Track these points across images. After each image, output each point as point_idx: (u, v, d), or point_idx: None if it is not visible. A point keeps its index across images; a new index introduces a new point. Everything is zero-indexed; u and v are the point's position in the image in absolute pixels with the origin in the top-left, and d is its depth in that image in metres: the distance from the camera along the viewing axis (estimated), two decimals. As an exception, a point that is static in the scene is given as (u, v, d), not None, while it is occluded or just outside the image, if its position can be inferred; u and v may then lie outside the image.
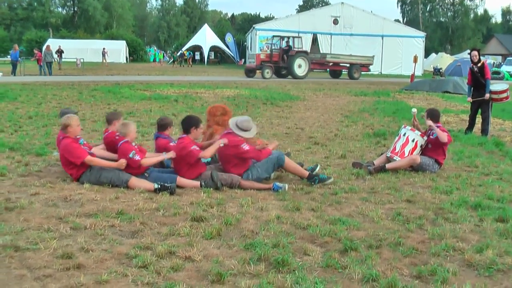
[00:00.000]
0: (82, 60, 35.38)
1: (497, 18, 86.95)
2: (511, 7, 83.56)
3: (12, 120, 10.11)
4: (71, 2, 76.18)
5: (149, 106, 13.18)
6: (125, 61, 54.02)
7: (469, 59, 10.11)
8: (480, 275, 3.44)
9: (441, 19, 78.28)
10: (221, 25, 78.82)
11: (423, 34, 43.99)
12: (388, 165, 6.51)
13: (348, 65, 31.28)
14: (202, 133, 6.53)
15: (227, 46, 57.05)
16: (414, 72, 28.66)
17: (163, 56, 60.29)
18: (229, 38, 57.64)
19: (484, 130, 9.69)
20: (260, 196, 5.26)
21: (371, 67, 32.28)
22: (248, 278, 3.26)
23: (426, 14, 78.34)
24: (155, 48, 65.56)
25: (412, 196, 5.34)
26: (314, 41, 40.39)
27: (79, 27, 70.48)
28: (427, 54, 51.80)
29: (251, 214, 4.63)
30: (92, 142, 7.31)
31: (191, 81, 24.26)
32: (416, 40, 41.64)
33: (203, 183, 5.52)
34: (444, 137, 6.59)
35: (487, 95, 9.61)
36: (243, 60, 53.30)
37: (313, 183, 5.75)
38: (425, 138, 6.73)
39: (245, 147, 5.71)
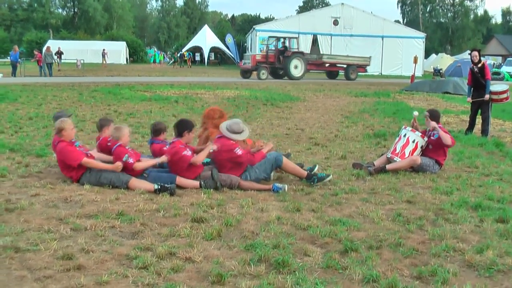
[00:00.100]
0: (82, 61, 35.42)
1: (497, 19, 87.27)
2: (511, 7, 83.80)
3: (12, 121, 10.11)
4: (71, 3, 76.33)
5: (149, 107, 13.19)
6: (125, 62, 54.08)
7: (470, 60, 10.11)
8: (480, 275, 3.44)
9: (441, 19, 78.38)
10: (221, 26, 78.83)
11: (423, 34, 44.05)
12: (388, 166, 6.50)
13: (344, 65, 31.25)
14: (197, 136, 6.54)
15: (227, 47, 57.01)
16: (414, 73, 28.69)
17: (163, 57, 60.28)
18: (229, 39, 57.59)
19: (484, 131, 9.68)
20: (260, 197, 5.26)
21: (368, 67, 32.24)
22: (248, 279, 3.26)
23: (426, 14, 78.42)
24: (155, 49, 65.55)
25: (413, 197, 5.34)
26: (314, 42, 40.42)
27: (79, 28, 70.60)
28: (427, 54, 51.84)
29: (252, 215, 4.63)
30: (92, 143, 7.31)
31: (191, 82, 24.27)
32: (416, 40, 41.68)
33: (202, 183, 5.52)
34: (448, 139, 6.57)
35: (487, 96, 9.61)
36: (243, 61, 53.22)
37: (312, 183, 5.75)
38: (426, 139, 6.72)
39: (238, 151, 5.69)
